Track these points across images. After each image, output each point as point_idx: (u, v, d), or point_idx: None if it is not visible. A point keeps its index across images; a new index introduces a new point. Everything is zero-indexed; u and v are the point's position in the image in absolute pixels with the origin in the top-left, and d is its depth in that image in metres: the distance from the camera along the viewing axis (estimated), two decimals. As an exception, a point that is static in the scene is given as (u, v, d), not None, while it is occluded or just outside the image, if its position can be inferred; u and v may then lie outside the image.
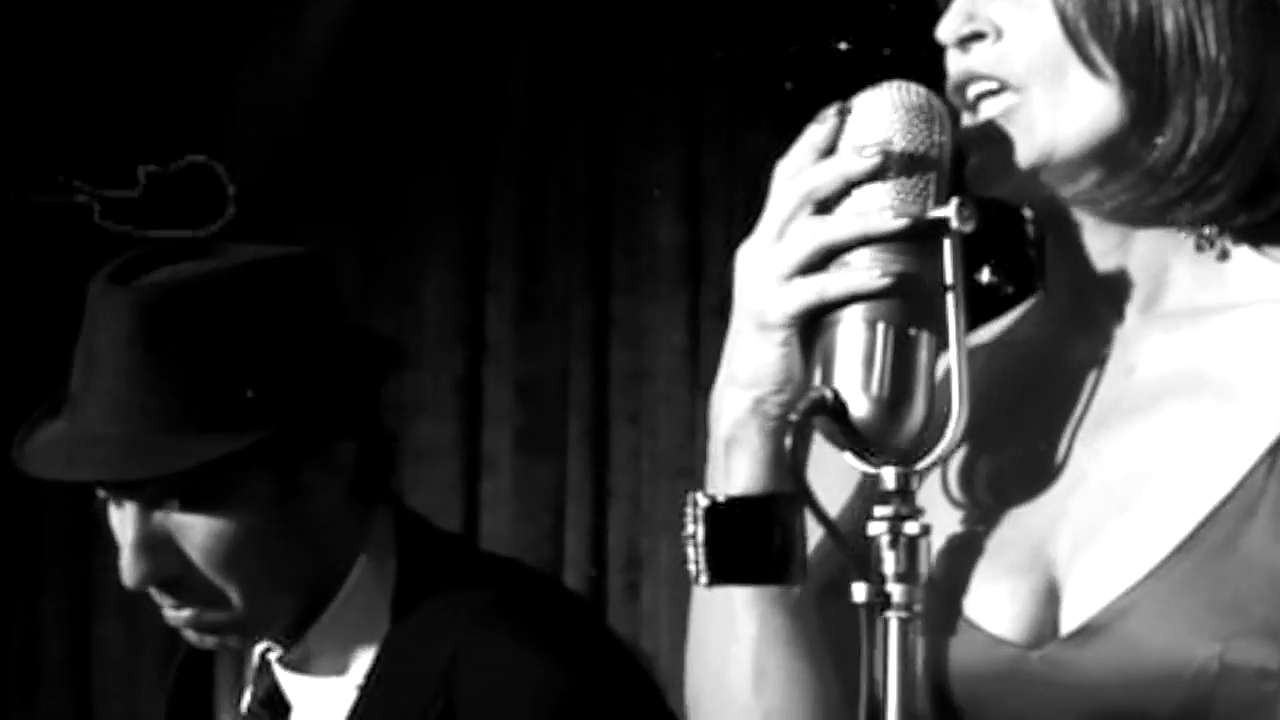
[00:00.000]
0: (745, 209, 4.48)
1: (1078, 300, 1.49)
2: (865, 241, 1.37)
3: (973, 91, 1.45)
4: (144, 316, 1.77)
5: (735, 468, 1.35)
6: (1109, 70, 1.40)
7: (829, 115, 1.40)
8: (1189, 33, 1.40)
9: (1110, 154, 1.42)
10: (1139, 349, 1.46)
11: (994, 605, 1.41)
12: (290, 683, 1.91)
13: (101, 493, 1.84)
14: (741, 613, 1.36)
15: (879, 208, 1.38)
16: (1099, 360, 1.47)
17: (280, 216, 4.44)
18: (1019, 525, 1.43)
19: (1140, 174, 1.41)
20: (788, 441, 1.35)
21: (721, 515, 1.33)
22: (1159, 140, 1.40)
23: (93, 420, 1.79)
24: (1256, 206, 1.44)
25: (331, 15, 4.39)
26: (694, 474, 4.00)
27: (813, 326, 1.39)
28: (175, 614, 1.85)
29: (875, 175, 1.38)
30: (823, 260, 1.37)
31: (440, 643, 1.83)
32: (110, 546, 1.92)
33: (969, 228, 1.39)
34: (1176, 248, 1.45)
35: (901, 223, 1.36)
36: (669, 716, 1.89)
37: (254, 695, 1.93)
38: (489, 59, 4.62)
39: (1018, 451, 1.43)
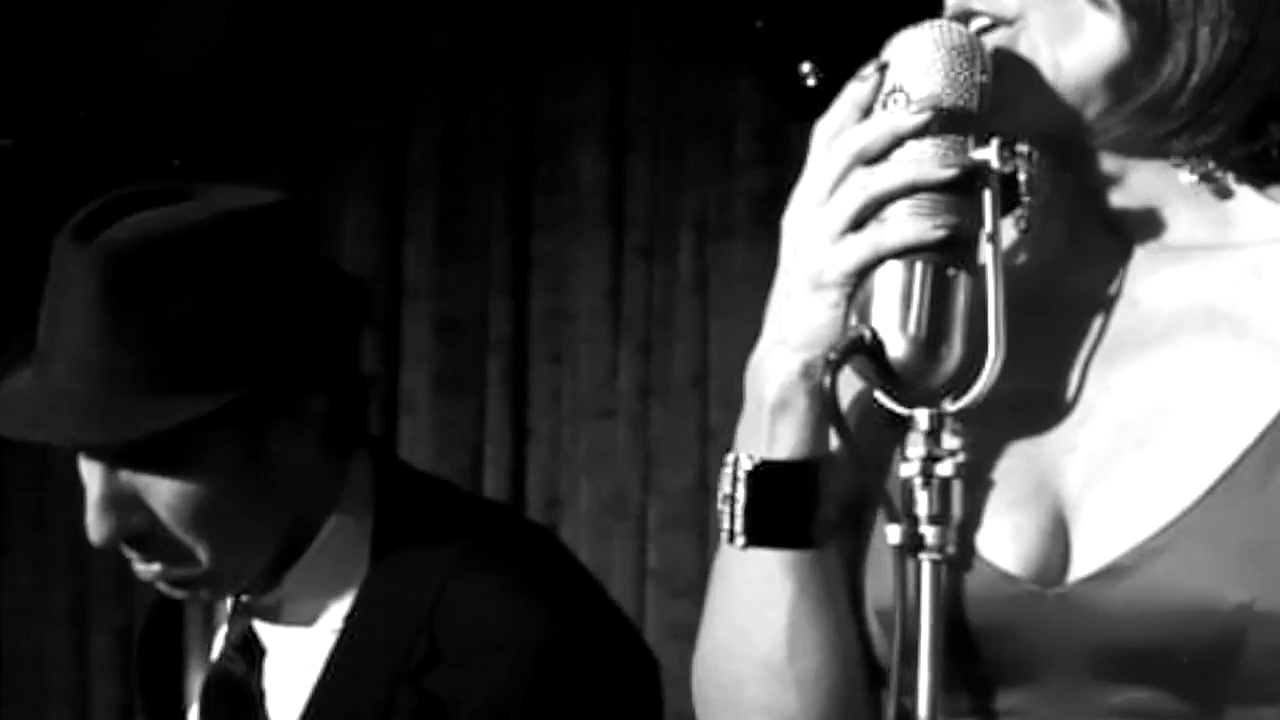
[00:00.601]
0: (669, 148, 4.46)
1: (1075, 230, 1.50)
2: (911, 191, 1.36)
3: (973, 25, 1.44)
4: (109, 272, 1.71)
5: (781, 432, 1.35)
6: (1111, 1, 1.40)
7: (869, 72, 1.39)
8: None
9: (1112, 85, 1.42)
10: (1145, 282, 1.46)
11: (1000, 540, 1.41)
12: (266, 628, 1.87)
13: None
14: (779, 576, 1.36)
15: (924, 155, 1.37)
16: (1102, 292, 1.46)
17: (199, 154, 4.38)
18: (1024, 458, 1.43)
19: (1142, 105, 1.41)
20: (826, 380, 1.34)
21: (765, 478, 1.34)
22: (1161, 71, 1.41)
23: (58, 377, 1.73)
24: (1254, 139, 1.45)
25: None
26: (614, 414, 4.03)
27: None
28: (145, 568, 1.81)
29: (924, 127, 1.37)
30: (873, 213, 1.37)
31: (420, 588, 1.79)
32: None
33: (1009, 168, 1.39)
34: (1175, 182, 1.46)
35: (951, 171, 1.36)
36: (649, 660, 1.91)
37: (228, 639, 1.89)
38: (411, -4, 4.56)
39: (1021, 383, 1.42)
